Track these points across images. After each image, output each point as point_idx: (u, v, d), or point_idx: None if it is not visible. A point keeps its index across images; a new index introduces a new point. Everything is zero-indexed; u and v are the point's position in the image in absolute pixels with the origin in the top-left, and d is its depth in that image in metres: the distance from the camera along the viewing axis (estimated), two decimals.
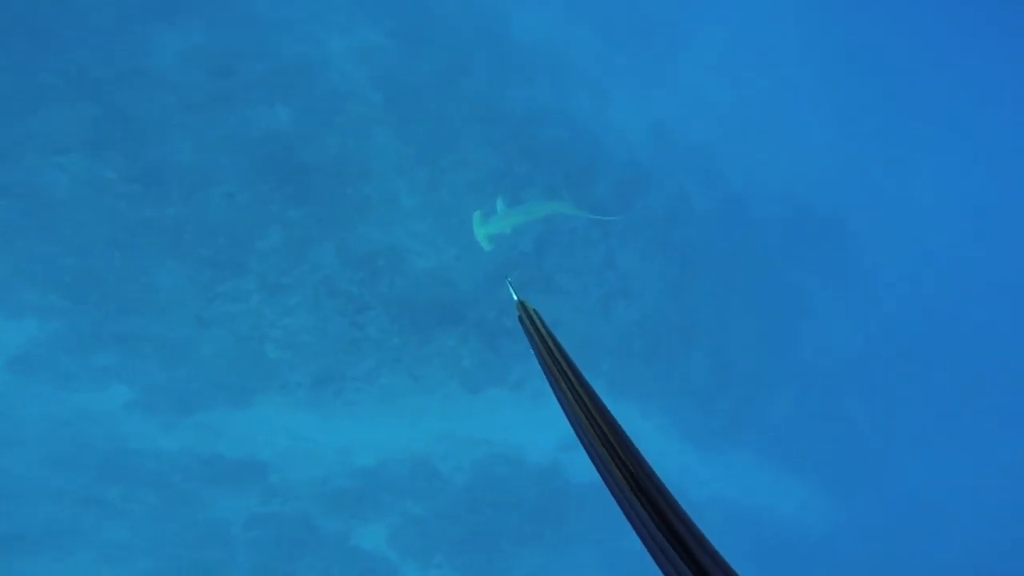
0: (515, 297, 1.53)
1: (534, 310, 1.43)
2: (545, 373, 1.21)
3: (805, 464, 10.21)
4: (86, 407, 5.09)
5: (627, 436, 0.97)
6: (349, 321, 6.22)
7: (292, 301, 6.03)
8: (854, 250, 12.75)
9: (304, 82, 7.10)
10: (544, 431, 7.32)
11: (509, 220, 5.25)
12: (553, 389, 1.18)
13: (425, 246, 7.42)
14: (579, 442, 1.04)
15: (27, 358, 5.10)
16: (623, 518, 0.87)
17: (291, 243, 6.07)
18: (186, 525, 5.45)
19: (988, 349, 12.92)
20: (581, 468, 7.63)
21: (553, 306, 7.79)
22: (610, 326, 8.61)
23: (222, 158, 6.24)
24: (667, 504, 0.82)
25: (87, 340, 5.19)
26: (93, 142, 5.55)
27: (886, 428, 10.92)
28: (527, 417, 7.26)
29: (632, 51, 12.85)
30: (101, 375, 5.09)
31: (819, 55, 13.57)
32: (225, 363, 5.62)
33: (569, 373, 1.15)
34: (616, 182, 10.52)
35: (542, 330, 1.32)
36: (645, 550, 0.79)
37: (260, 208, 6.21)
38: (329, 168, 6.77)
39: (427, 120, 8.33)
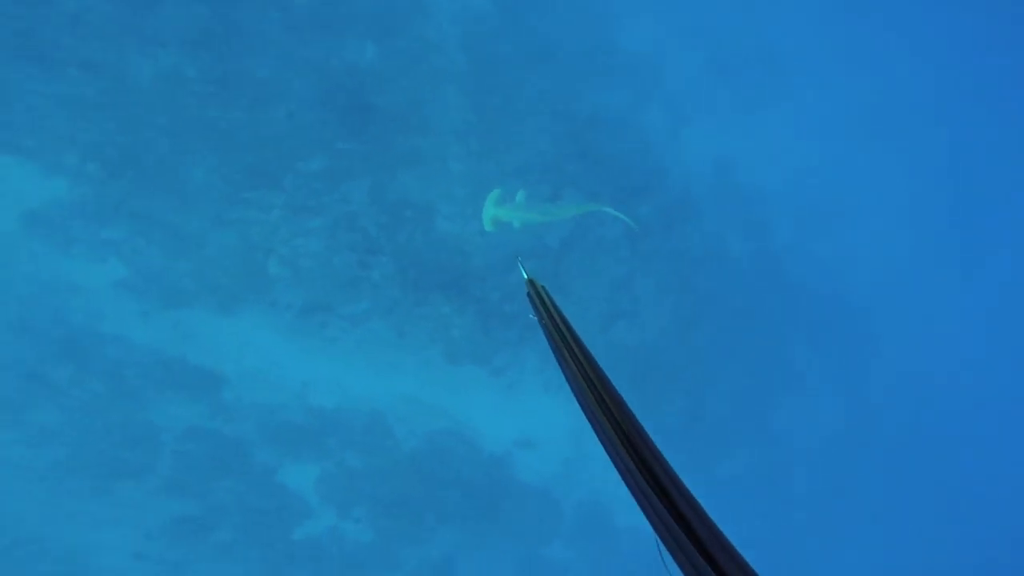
0: (525, 275, 1.59)
1: (543, 287, 1.49)
2: (551, 346, 1.28)
3: (736, 526, 10.01)
4: (76, 278, 5.26)
5: (628, 408, 1.01)
6: (357, 259, 6.40)
7: (310, 224, 6.23)
8: (866, 341, 12.25)
9: (399, 26, 7.31)
10: (507, 422, 7.45)
11: (521, 214, 5.24)
12: (558, 361, 1.24)
13: (454, 212, 7.50)
14: (583, 414, 1.07)
15: (41, 215, 5.36)
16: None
17: (330, 172, 6.25)
18: (121, 423, 5.55)
19: (967, 470, 12.36)
20: (530, 469, 7.77)
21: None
22: (603, 343, 8.58)
23: (298, 79, 6.49)
24: (664, 471, 0.85)
25: (104, 212, 5.44)
26: (190, 41, 5.88)
27: (824, 514, 10.69)
28: (496, 404, 7.39)
29: (726, 83, 12.45)
30: (104, 248, 5.35)
31: (907, 153, 12.81)
32: (226, 266, 5.86)
33: (575, 347, 1.21)
34: (661, 207, 10.35)
35: (550, 307, 1.39)
36: (644, 516, 0.82)
37: (313, 132, 6.42)
38: (392, 112, 6.96)
39: (499, 93, 8.34)
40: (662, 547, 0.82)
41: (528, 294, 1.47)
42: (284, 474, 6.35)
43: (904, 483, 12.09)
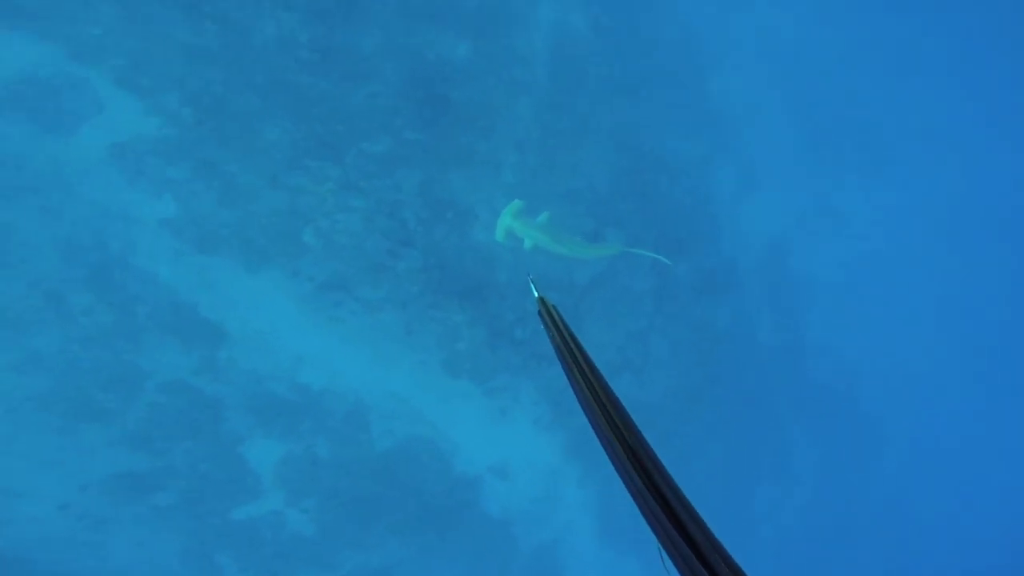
0: (536, 293, 1.64)
1: (553, 306, 1.51)
2: (561, 364, 1.30)
3: None
4: (130, 209, 5.50)
5: (636, 426, 1.02)
6: (388, 247, 6.39)
7: (355, 203, 6.26)
8: (870, 444, 11.66)
9: (496, 30, 7.51)
10: (487, 446, 7.32)
11: (535, 234, 4.99)
12: (569, 379, 1.29)
13: (492, 221, 7.43)
14: (593, 433, 1.11)
15: (126, 148, 5.65)
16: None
17: (390, 157, 6.34)
18: (110, 362, 5.57)
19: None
20: (497, 499, 7.61)
21: None
22: None
23: (390, 63, 6.75)
24: (669, 488, 0.87)
25: (177, 153, 5.72)
26: (315, 10, 6.27)
27: None
28: (481, 425, 7.27)
29: (808, 159, 12.02)
30: (164, 186, 5.58)
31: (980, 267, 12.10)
32: (265, 226, 6.04)
33: (584, 365, 1.24)
34: (701, 270, 10.06)
35: (560, 325, 1.41)
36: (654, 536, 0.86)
37: (387, 116, 6.59)
38: (463, 110, 7.12)
39: (571, 115, 8.24)
40: (668, 563, 0.85)
41: (539, 312, 1.52)
42: (248, 447, 6.24)
43: None
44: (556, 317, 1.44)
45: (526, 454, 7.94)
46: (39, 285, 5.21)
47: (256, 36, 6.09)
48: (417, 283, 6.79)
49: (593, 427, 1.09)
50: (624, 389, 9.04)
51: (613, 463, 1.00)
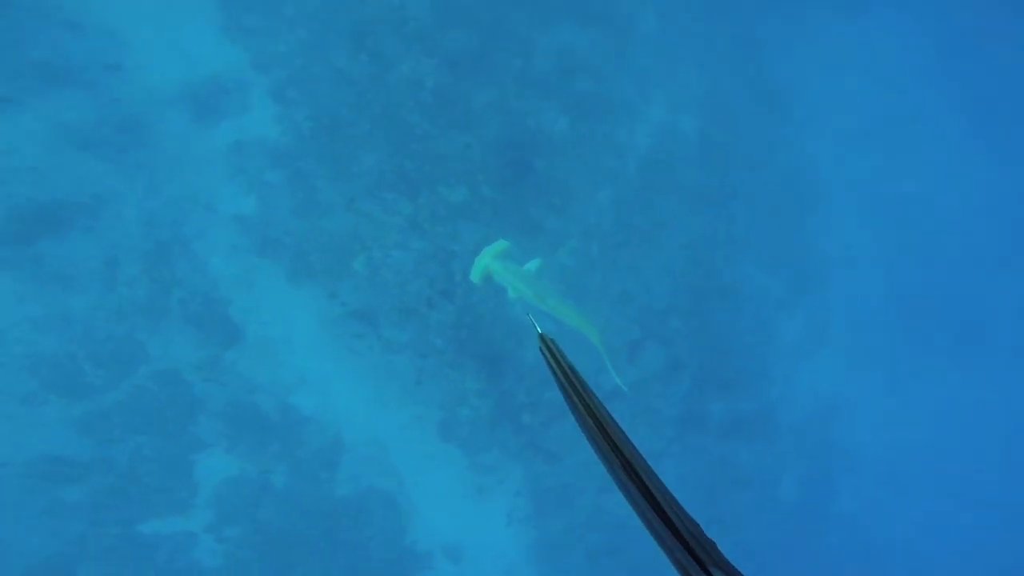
0: (538, 330, 1.75)
1: (552, 341, 1.61)
2: (565, 399, 1.39)
3: None
4: (216, 200, 6.13)
5: (644, 459, 1.08)
6: (428, 295, 6.43)
7: (413, 243, 6.40)
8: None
9: (600, 115, 7.93)
10: (450, 523, 7.05)
11: (518, 283, 4.24)
12: (573, 414, 1.35)
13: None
14: (601, 463, 1.21)
15: (243, 147, 6.44)
16: None
17: (460, 207, 6.81)
18: (120, 338, 5.69)
19: None
20: None
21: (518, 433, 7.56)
22: (592, 504, 7.86)
23: (492, 120, 7.26)
24: (683, 522, 0.94)
25: (280, 159, 6.45)
26: (449, 60, 7.15)
27: None
28: (452, 498, 7.02)
29: (894, 335, 11.04)
30: (256, 186, 6.32)
31: None
32: (324, 243, 6.44)
33: (588, 400, 1.32)
34: (737, 412, 9.49)
35: (562, 362, 1.50)
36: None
37: (471, 169, 7.31)
38: (544, 183, 7.46)
39: (649, 216, 8.36)
40: None
41: (540, 349, 1.63)
42: (203, 457, 6.12)
43: None
44: (558, 353, 1.55)
45: (488, 543, 7.52)
46: (107, 249, 5.80)
47: (393, 72, 6.82)
48: (443, 337, 6.75)
49: (597, 455, 1.19)
50: (614, 504, 8.42)
51: (619, 488, 1.11)
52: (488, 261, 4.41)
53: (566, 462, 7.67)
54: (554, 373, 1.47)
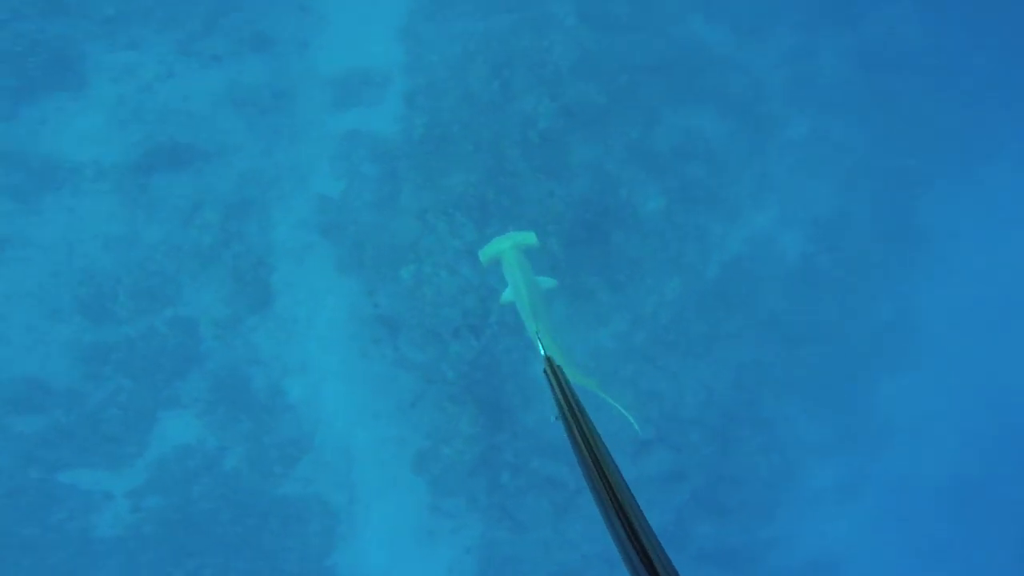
0: (542, 352, 1.88)
1: (559, 367, 1.62)
2: (565, 430, 1.39)
3: None
4: (310, 178, 6.50)
5: (637, 503, 1.10)
6: (456, 325, 6.62)
7: (463, 270, 6.45)
8: None
9: (697, 206, 7.57)
10: (383, 555, 7.22)
11: (524, 285, 3.69)
12: (572, 446, 1.36)
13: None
14: (589, 489, 1.23)
15: (355, 137, 6.77)
16: None
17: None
18: (162, 276, 5.92)
19: None
20: None
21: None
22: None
23: (585, 176, 7.11)
24: (667, 571, 0.92)
25: (383, 155, 6.67)
26: (569, 110, 7.16)
27: None
28: (396, 532, 7.23)
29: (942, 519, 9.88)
30: (347, 173, 6.59)
31: None
32: (385, 242, 6.53)
33: (588, 435, 1.32)
34: (726, 542, 8.82)
35: (566, 390, 1.50)
36: None
37: (545, 216, 6.97)
38: (613, 255, 7.18)
39: (707, 323, 8.19)
40: None
41: (544, 371, 1.64)
42: (171, 416, 5.97)
43: None
44: (561, 377, 1.56)
45: None
46: (201, 192, 6.23)
47: (513, 105, 6.96)
48: (456, 370, 6.68)
49: (591, 491, 1.22)
50: None
51: (601, 513, 1.14)
52: (508, 246, 3.90)
53: (529, 536, 7.50)
54: (556, 400, 1.48)
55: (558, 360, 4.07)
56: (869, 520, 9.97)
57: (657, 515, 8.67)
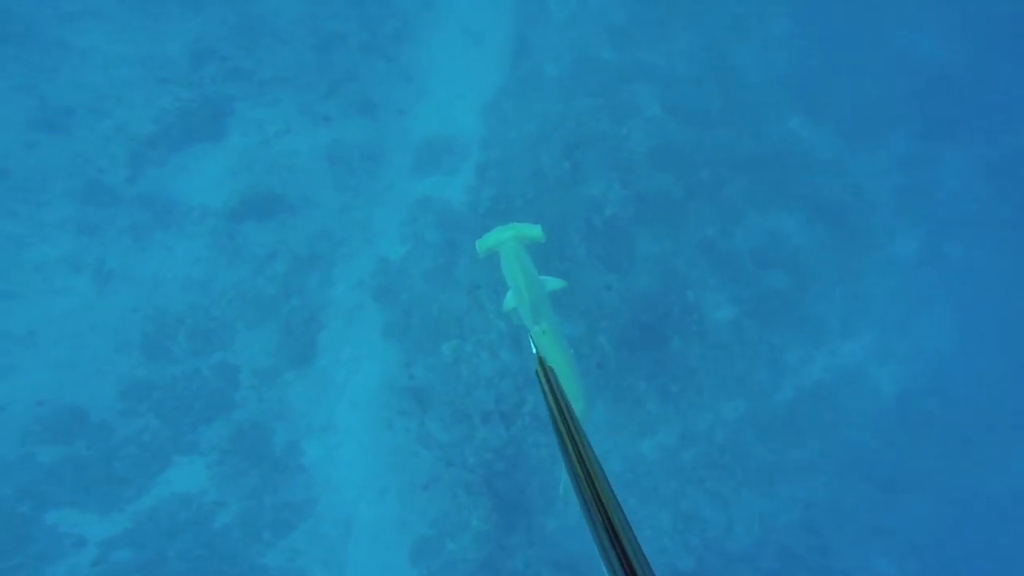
0: (535, 352, 1.78)
1: (552, 371, 1.61)
2: (556, 437, 1.39)
3: None
4: (386, 223, 6.92)
5: (626, 519, 1.11)
6: (486, 410, 6.34)
7: (503, 354, 6.18)
8: None
9: (772, 327, 6.89)
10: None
11: (523, 283, 3.38)
12: (561, 455, 1.36)
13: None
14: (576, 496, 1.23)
15: (427, 201, 7.05)
16: None
17: (570, 343, 6.17)
18: (241, 291, 6.24)
19: None
20: None
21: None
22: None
23: (643, 276, 6.83)
24: (637, 557, 0.97)
25: (448, 223, 6.83)
26: (637, 201, 7.01)
27: None
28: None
29: None
30: (413, 235, 6.84)
31: None
32: (435, 312, 6.49)
33: (579, 444, 1.32)
34: None
35: (559, 396, 1.49)
36: None
37: (598, 311, 6.58)
38: (666, 363, 6.66)
39: (756, 461, 7.45)
40: None
41: (536, 372, 1.62)
42: (182, 462, 5.95)
43: None
44: (552, 379, 1.55)
45: None
46: (277, 244, 6.57)
47: (582, 188, 6.86)
48: (478, 457, 6.31)
49: (578, 494, 1.20)
50: None
51: (587, 524, 1.13)
52: (509, 236, 3.60)
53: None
54: (547, 405, 1.47)
55: (557, 365, 3.47)
56: None
57: None
